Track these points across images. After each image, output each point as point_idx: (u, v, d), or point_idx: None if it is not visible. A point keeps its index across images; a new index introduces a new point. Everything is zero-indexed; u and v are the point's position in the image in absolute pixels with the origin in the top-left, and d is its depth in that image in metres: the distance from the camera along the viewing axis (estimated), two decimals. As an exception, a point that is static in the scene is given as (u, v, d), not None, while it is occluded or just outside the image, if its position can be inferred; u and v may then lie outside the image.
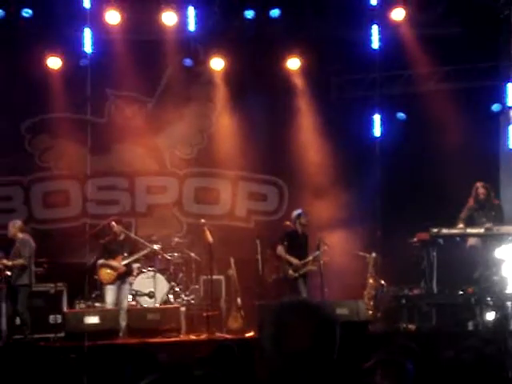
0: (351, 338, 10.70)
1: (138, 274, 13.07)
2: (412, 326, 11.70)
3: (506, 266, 11.67)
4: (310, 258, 12.67)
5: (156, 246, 12.96)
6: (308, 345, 2.52)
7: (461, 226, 12.28)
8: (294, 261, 12.64)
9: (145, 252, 12.72)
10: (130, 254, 12.47)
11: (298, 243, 12.79)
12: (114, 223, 12.59)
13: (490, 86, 14.23)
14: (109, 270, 12.28)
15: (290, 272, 12.63)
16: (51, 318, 12.26)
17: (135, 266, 12.92)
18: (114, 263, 12.30)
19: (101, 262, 12.44)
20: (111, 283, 12.27)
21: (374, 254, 12.79)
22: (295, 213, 13.08)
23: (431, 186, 14.03)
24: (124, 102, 15.18)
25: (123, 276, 12.36)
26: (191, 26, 13.40)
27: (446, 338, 9.99)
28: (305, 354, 2.50)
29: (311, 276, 13.00)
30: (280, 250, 12.76)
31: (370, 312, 12.33)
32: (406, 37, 14.00)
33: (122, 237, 12.61)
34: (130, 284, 12.75)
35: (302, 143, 14.75)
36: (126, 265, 12.36)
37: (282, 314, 2.59)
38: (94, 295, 12.82)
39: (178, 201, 15.46)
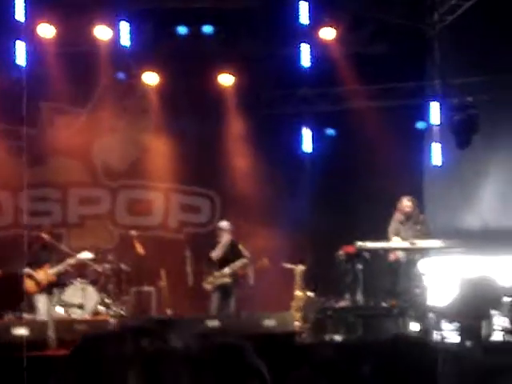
0: (278, 349, 10.94)
1: (67, 285, 13.11)
2: (338, 338, 11.93)
3: (428, 279, 12.02)
4: (226, 270, 12.92)
5: (84, 255, 13.02)
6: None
7: (396, 239, 12.55)
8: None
9: (72, 262, 12.83)
10: (57, 263, 12.64)
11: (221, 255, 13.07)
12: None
13: (416, 104, 14.66)
14: (33, 281, 12.42)
15: (204, 284, 13.02)
16: (-22, 329, 12.14)
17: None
18: (38, 276, 12.43)
19: (26, 270, 12.53)
20: (38, 293, 12.42)
21: (301, 266, 13.01)
22: None
23: (359, 200, 14.35)
24: (57, 114, 15.20)
25: (50, 286, 12.56)
26: (124, 41, 13.49)
27: (370, 349, 10.26)
28: None
29: (241, 287, 13.26)
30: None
31: (298, 323, 12.53)
32: (336, 55, 14.29)
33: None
34: (60, 294, 12.85)
35: (233, 157, 14.96)
36: (52, 274, 12.56)
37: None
38: (22, 306, 12.78)
39: (111, 212, 15.51)
